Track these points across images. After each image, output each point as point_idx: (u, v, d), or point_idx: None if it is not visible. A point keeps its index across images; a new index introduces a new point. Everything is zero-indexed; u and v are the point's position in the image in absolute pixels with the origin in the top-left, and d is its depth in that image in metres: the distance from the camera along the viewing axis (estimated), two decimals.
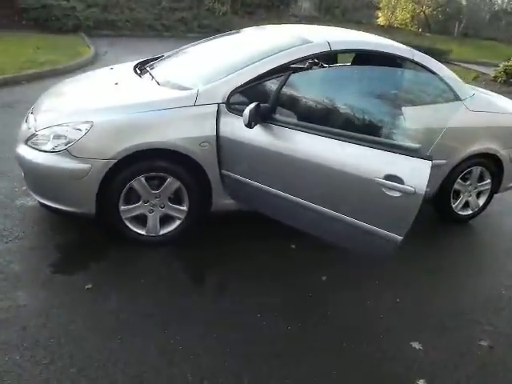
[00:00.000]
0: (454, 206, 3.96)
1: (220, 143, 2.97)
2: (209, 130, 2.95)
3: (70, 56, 8.81)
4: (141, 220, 3.10)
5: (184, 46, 3.97)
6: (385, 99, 2.76)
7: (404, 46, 3.70)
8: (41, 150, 2.89)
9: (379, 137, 2.56)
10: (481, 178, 4.01)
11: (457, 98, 3.70)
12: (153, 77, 3.38)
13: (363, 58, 3.74)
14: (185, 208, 3.11)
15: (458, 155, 3.73)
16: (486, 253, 3.76)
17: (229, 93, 2.95)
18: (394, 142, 2.38)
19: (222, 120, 2.95)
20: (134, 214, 3.05)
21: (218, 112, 2.96)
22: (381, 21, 18.10)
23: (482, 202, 4.08)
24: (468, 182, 3.95)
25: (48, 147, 2.88)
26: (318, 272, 3.07)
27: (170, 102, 2.96)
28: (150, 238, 3.13)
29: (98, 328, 2.39)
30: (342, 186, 2.54)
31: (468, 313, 2.88)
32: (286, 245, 3.32)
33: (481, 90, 4.47)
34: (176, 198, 3.11)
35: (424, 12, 18.11)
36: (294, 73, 2.82)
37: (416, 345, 2.52)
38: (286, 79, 2.75)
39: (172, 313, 2.56)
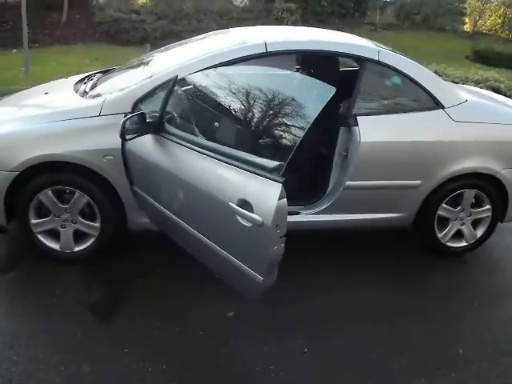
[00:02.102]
0: (440, 235, 3.29)
1: (125, 156, 2.73)
2: (113, 142, 2.70)
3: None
4: (57, 235, 2.96)
5: (145, 55, 3.79)
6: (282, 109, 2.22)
7: (371, 45, 3.17)
8: None
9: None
10: (478, 204, 3.29)
11: (438, 106, 3.08)
12: (84, 87, 3.23)
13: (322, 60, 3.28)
14: (97, 225, 2.91)
15: (437, 175, 3.09)
16: (471, 297, 2.99)
17: (133, 102, 2.70)
18: (252, 158, 1.90)
19: None
20: (45, 228, 2.92)
21: None
22: (467, 27, 16.48)
23: (480, 232, 3.35)
24: (458, 208, 3.26)
25: None
26: (229, 305, 2.68)
27: (76, 112, 2.80)
28: (65, 254, 2.97)
29: None
30: (207, 211, 2.14)
31: (393, 371, 2.30)
32: (211, 271, 2.96)
33: (490, 95, 3.70)
34: (91, 214, 2.92)
35: None
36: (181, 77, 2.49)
37: None
38: (173, 85, 2.42)
39: (37, 332, 2.41)
